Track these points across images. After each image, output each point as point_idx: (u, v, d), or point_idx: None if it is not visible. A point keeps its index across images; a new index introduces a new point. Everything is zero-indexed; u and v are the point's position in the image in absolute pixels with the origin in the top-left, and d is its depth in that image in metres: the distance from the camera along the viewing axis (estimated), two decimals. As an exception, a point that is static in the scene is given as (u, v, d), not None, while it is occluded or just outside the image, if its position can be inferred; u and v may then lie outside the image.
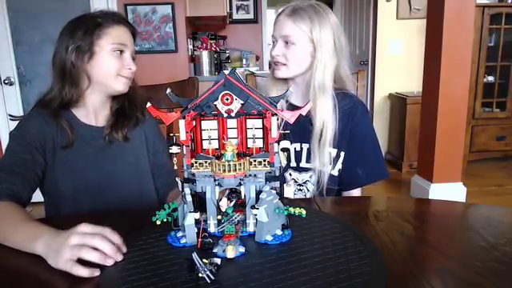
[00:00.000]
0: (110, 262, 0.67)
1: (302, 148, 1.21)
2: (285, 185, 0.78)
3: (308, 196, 1.24)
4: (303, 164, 1.22)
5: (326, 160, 1.18)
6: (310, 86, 1.20)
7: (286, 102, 1.24)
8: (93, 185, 1.08)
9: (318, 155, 1.17)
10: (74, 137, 1.06)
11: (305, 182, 1.24)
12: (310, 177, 1.23)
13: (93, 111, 1.11)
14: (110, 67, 1.06)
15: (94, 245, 0.68)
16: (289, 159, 1.21)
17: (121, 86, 1.09)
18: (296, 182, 1.24)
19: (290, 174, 1.23)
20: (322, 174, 1.19)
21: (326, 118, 1.17)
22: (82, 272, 0.65)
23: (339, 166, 1.21)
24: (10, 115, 1.19)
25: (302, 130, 1.17)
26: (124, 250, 0.71)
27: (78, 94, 1.07)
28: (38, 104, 1.09)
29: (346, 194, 1.27)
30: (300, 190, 1.24)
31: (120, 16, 1.11)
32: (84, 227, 0.71)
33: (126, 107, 1.15)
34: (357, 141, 1.21)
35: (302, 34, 1.16)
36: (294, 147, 1.21)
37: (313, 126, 1.17)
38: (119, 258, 0.69)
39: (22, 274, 0.71)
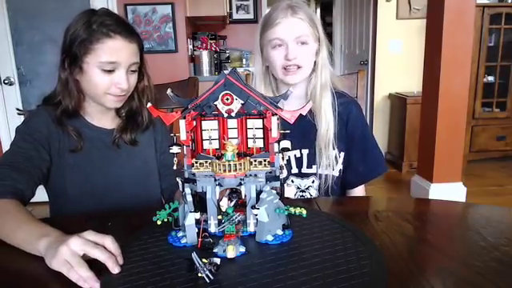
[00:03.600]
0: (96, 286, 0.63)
1: (302, 154, 1.20)
2: (285, 185, 0.78)
3: None
4: (304, 170, 1.21)
5: (331, 161, 1.18)
6: (309, 88, 1.19)
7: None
8: (99, 188, 1.08)
9: (325, 157, 1.17)
10: (82, 143, 1.05)
11: (307, 188, 1.22)
12: (313, 182, 1.22)
13: (97, 116, 1.10)
14: (97, 85, 1.00)
15: (93, 255, 0.66)
16: (290, 166, 1.19)
17: (110, 104, 1.04)
18: (299, 188, 1.22)
19: (292, 181, 1.21)
20: (328, 177, 1.19)
21: (329, 118, 1.17)
22: (75, 277, 0.63)
23: (340, 166, 1.21)
24: (17, 109, 1.16)
25: (301, 135, 1.16)
26: (121, 261, 0.68)
27: (77, 104, 1.04)
28: (44, 102, 1.08)
29: (350, 192, 1.27)
30: (302, 196, 1.22)
31: (118, 26, 0.99)
32: (88, 234, 0.69)
33: (137, 110, 1.12)
34: (356, 140, 1.22)
35: (311, 32, 1.13)
36: (294, 154, 1.19)
37: (317, 128, 1.17)
38: (116, 270, 0.66)
39: (20, 275, 0.71)
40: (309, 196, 1.22)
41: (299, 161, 1.20)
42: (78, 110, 1.07)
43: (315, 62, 1.17)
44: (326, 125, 1.16)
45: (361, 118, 1.26)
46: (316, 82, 1.18)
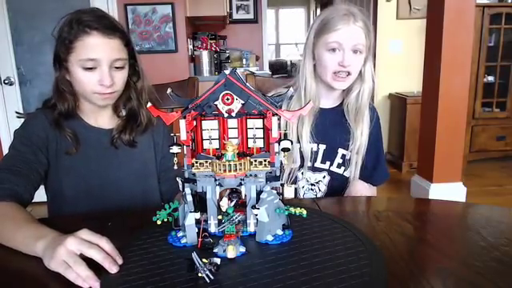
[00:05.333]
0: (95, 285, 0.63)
1: (318, 148, 1.22)
2: (285, 185, 0.78)
3: (319, 196, 1.26)
4: (318, 164, 1.23)
5: (358, 167, 1.23)
6: (352, 93, 1.21)
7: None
8: (96, 189, 1.08)
9: (355, 163, 1.22)
10: (78, 146, 1.04)
11: (317, 182, 1.25)
12: (324, 177, 1.24)
13: (93, 115, 1.10)
14: (82, 84, 0.99)
15: (89, 255, 0.66)
16: (303, 159, 1.21)
17: (100, 102, 1.03)
18: (308, 181, 1.25)
19: (302, 173, 1.23)
20: (339, 176, 1.24)
21: (367, 126, 1.21)
22: (73, 277, 0.63)
23: (357, 171, 1.25)
24: (17, 112, 1.17)
25: (324, 131, 1.20)
26: (120, 261, 0.68)
27: (71, 106, 1.04)
28: (43, 105, 1.08)
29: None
30: (311, 189, 1.25)
31: (96, 22, 0.97)
32: (84, 233, 0.69)
33: (137, 112, 1.11)
34: (373, 145, 1.26)
35: (365, 42, 1.15)
36: (311, 147, 1.21)
37: (350, 131, 1.21)
38: (114, 270, 0.66)
39: (20, 275, 0.71)
40: (318, 190, 1.25)
41: (315, 155, 1.22)
42: (75, 111, 1.07)
43: (361, 71, 1.19)
44: (366, 135, 1.21)
45: (378, 125, 1.30)
46: (364, 89, 1.20)
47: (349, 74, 1.15)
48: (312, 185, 1.24)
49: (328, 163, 1.23)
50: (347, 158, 1.23)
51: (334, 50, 1.13)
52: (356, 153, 1.22)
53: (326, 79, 1.17)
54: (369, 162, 1.25)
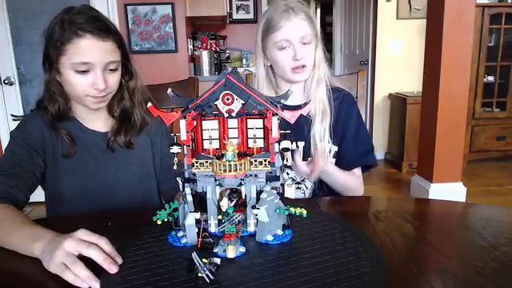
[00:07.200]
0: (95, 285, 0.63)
1: (297, 146, 1.21)
2: (285, 185, 0.78)
3: (307, 193, 1.26)
4: None
5: (325, 154, 1.19)
6: (306, 82, 1.22)
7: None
8: (94, 191, 1.06)
9: (325, 149, 1.19)
10: (75, 148, 1.03)
11: (303, 180, 1.25)
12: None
13: (88, 117, 1.08)
14: (74, 87, 0.96)
15: (88, 255, 0.66)
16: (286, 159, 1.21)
17: (92, 105, 1.01)
18: (294, 180, 1.24)
19: (288, 173, 1.23)
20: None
21: (324, 111, 1.20)
22: (71, 278, 0.63)
23: (332, 160, 1.23)
24: (12, 115, 1.16)
25: (297, 128, 1.17)
26: (119, 261, 0.68)
27: (62, 107, 1.02)
28: (37, 106, 1.07)
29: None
30: (298, 188, 1.25)
31: (89, 24, 0.93)
32: (82, 234, 0.69)
33: (130, 112, 1.09)
34: (349, 130, 1.24)
35: (311, 32, 1.17)
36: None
37: (312, 122, 1.19)
38: (114, 270, 0.65)
39: (19, 276, 0.71)
40: (304, 188, 1.25)
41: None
42: (67, 112, 1.04)
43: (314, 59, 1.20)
44: (320, 117, 1.19)
45: (354, 111, 1.27)
46: (313, 76, 1.21)
47: (304, 66, 1.16)
48: (298, 183, 1.24)
49: (310, 159, 1.21)
50: (327, 150, 1.21)
51: (284, 48, 1.15)
52: (319, 139, 1.19)
53: (286, 76, 1.19)
54: (349, 144, 1.22)
